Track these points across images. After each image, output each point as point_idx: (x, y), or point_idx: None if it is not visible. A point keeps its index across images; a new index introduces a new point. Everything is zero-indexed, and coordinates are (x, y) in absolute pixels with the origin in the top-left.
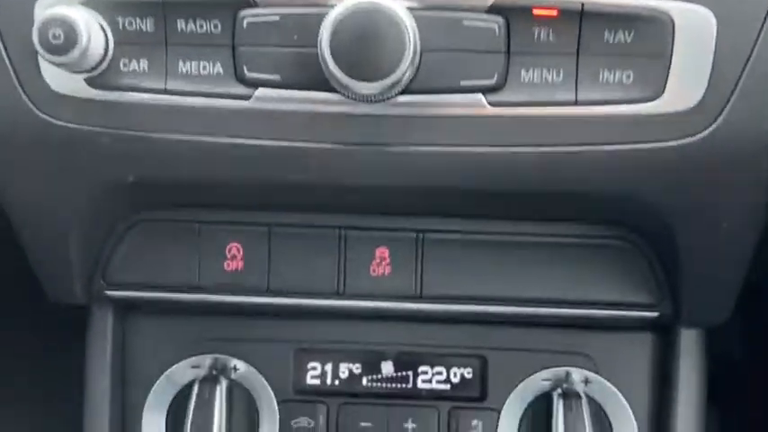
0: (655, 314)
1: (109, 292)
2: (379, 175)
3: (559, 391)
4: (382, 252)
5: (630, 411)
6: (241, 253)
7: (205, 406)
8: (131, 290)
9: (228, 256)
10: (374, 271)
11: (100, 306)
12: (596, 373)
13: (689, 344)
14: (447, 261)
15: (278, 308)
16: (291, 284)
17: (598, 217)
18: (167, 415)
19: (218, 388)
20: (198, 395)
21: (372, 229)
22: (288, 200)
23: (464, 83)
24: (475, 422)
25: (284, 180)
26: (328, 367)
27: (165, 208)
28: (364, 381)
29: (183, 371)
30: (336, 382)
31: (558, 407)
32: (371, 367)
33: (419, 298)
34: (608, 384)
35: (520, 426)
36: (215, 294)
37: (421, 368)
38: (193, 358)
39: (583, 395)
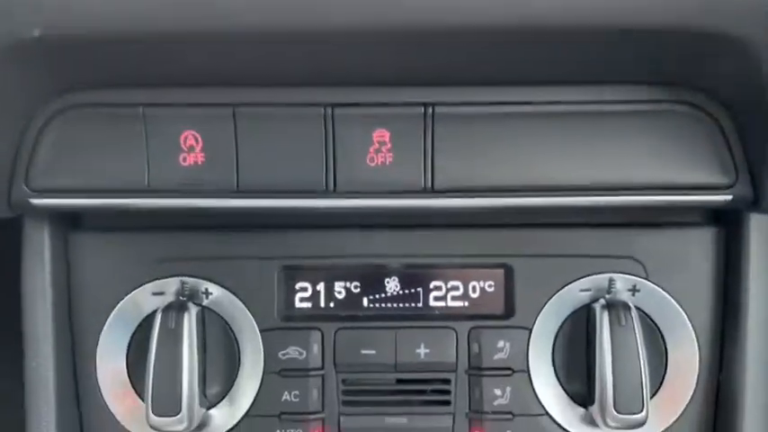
0: (727, 197)
1: (35, 201)
2: (362, 10)
3: (602, 302)
4: (381, 135)
5: (688, 321)
6: (200, 143)
7: (171, 338)
8: (62, 196)
9: (184, 148)
10: (372, 160)
11: (32, 220)
12: (646, 279)
13: (762, 233)
14: (464, 142)
15: (252, 213)
16: (266, 181)
17: (659, 72)
18: (128, 353)
19: (185, 316)
20: (161, 326)
21: (367, 105)
22: (253, 68)
23: None
24: (501, 343)
25: (236, 26)
26: (321, 287)
27: (98, 87)
28: (365, 301)
29: (144, 299)
30: (331, 305)
31: (603, 321)
32: (373, 284)
33: (430, 192)
34: (661, 292)
35: (554, 346)
36: (170, 198)
37: (433, 283)
38: (155, 283)
39: (631, 305)
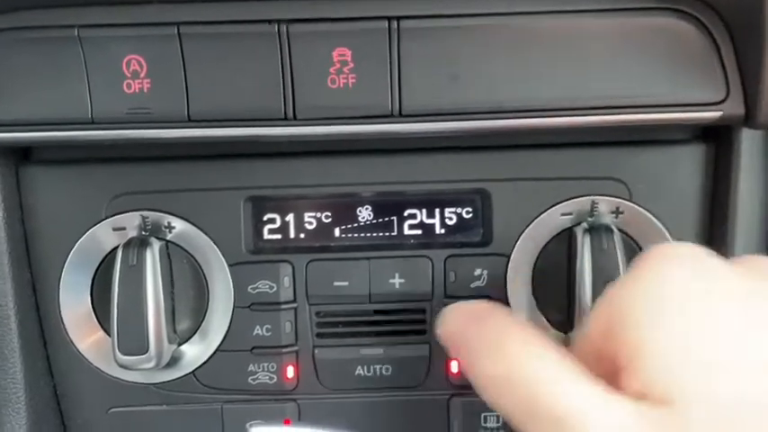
0: (717, 114)
1: None
2: None
3: (584, 225)
4: (342, 53)
5: None
6: (144, 68)
7: (133, 275)
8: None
9: (128, 74)
10: (333, 81)
11: None
12: (630, 200)
13: (753, 149)
14: (433, 60)
15: (210, 142)
16: (219, 108)
17: None
18: (92, 290)
19: (147, 251)
20: (122, 263)
21: (325, 20)
22: None
23: None
24: (478, 271)
25: None
26: (290, 218)
27: (28, 7)
28: (336, 231)
29: (105, 235)
30: (302, 236)
31: (584, 245)
32: (345, 213)
33: (398, 115)
34: (646, 214)
35: (534, 272)
36: (116, 129)
37: (407, 211)
38: (115, 218)
39: (614, 228)
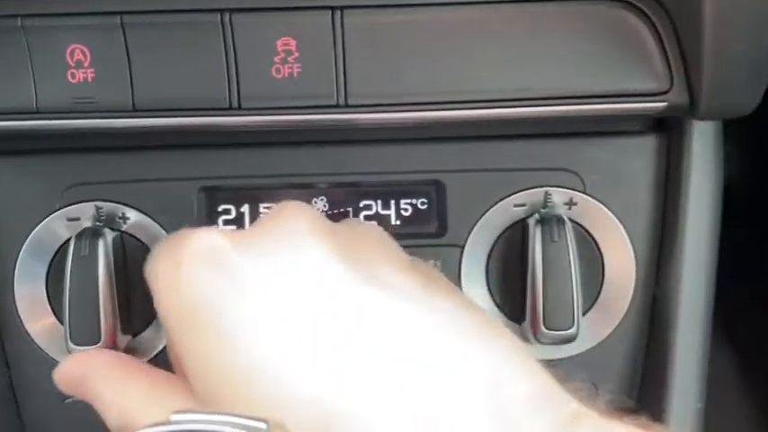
0: (662, 104)
1: None
2: None
3: (536, 216)
4: (287, 43)
5: (626, 235)
6: (88, 57)
7: (85, 266)
8: None
9: (72, 64)
10: (278, 71)
11: None
12: (583, 192)
13: (705, 140)
14: (379, 49)
15: (156, 132)
16: (164, 98)
17: None
18: (47, 281)
19: (100, 242)
20: (74, 254)
21: (268, 10)
22: None
23: None
24: (433, 262)
25: None
26: (245, 209)
27: None
28: None
29: (59, 226)
30: None
31: (536, 236)
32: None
33: (344, 106)
34: (598, 204)
35: (488, 263)
36: (61, 120)
37: (363, 202)
38: (69, 208)
39: (567, 219)
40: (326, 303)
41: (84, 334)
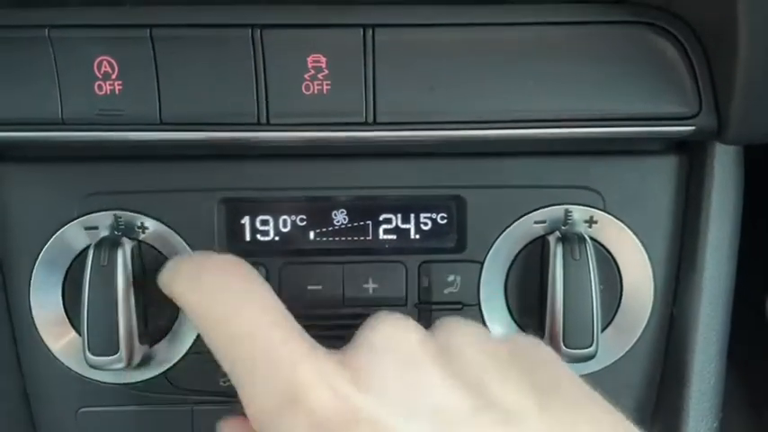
0: (689, 128)
1: None
2: None
3: (557, 234)
4: (317, 60)
5: (646, 254)
6: (116, 70)
7: (104, 276)
8: None
9: (99, 75)
10: (308, 88)
11: None
12: (603, 210)
13: (726, 163)
14: (409, 68)
15: (180, 146)
16: (192, 112)
17: None
18: (63, 290)
19: (118, 252)
20: (93, 263)
21: (300, 27)
22: None
23: None
24: (452, 278)
25: None
26: (264, 220)
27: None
28: (311, 234)
29: (77, 234)
30: (276, 239)
31: (556, 254)
32: (320, 217)
33: (372, 123)
34: (619, 224)
35: (507, 280)
36: (87, 131)
37: (382, 215)
38: (88, 217)
39: (587, 238)
40: None
41: (102, 343)
